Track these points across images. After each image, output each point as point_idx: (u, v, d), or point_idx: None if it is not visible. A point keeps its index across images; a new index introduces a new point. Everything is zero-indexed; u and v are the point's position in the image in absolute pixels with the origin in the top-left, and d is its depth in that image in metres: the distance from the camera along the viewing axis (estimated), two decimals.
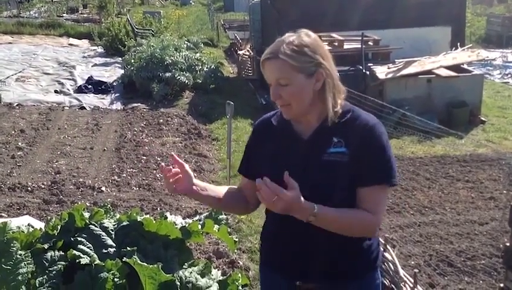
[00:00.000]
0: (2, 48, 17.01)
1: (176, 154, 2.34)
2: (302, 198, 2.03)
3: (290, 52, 2.11)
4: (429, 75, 10.47)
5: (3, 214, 5.71)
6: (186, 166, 2.29)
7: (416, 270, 4.27)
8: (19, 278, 2.46)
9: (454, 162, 8.17)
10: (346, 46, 11.91)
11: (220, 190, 2.42)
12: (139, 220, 2.88)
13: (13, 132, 8.93)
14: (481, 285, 4.77)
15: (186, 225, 2.99)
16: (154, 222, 2.91)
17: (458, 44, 12.43)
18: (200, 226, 2.99)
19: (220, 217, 3.16)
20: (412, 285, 4.07)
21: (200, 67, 12.89)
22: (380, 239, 4.55)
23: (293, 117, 2.24)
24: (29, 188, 6.62)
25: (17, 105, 10.75)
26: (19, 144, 8.38)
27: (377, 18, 12.76)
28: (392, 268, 4.40)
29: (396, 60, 11.06)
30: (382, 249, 4.57)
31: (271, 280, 2.45)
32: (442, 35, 12.99)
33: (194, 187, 2.28)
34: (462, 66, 10.97)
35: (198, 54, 13.61)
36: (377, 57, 11.78)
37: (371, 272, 2.38)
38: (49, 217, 5.36)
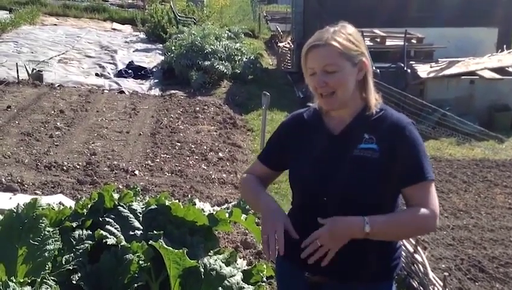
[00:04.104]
0: (47, 29, 17.29)
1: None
2: (343, 219, 2.07)
3: (339, 39, 2.15)
4: (472, 76, 10.23)
5: (37, 192, 5.80)
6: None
7: (446, 274, 4.18)
8: (46, 254, 2.48)
9: (493, 166, 7.96)
10: (388, 42, 11.75)
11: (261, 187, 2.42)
12: (167, 204, 2.89)
13: (53, 112, 9.07)
14: None
15: (214, 213, 2.98)
16: (182, 207, 2.91)
17: (504, 46, 12.12)
18: (227, 215, 2.98)
19: (248, 206, 3.14)
20: (441, 288, 3.98)
21: (240, 57, 12.86)
22: (411, 240, 4.49)
23: (334, 107, 2.21)
24: (64, 168, 6.71)
25: (58, 86, 10.90)
26: (58, 124, 8.50)
27: (422, 15, 12.54)
28: (422, 270, 4.32)
29: (439, 59, 10.84)
30: (412, 251, 4.49)
31: (284, 269, 2.42)
32: (488, 36, 12.68)
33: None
34: (507, 68, 10.68)
35: (238, 44, 13.57)
36: (420, 55, 11.57)
37: (385, 281, 2.30)
38: (79, 197, 5.44)
